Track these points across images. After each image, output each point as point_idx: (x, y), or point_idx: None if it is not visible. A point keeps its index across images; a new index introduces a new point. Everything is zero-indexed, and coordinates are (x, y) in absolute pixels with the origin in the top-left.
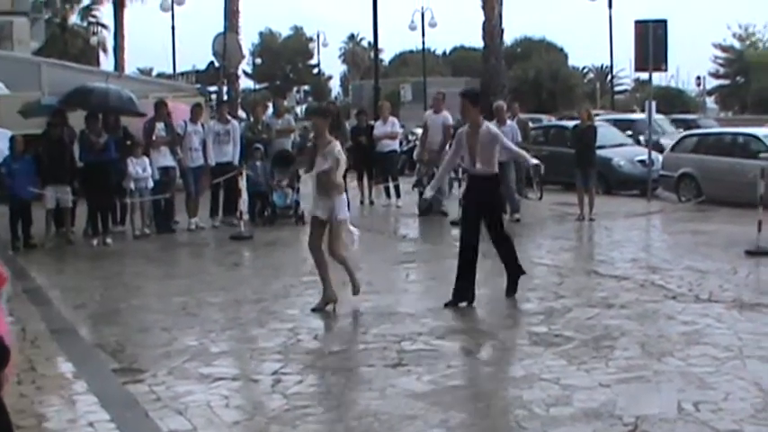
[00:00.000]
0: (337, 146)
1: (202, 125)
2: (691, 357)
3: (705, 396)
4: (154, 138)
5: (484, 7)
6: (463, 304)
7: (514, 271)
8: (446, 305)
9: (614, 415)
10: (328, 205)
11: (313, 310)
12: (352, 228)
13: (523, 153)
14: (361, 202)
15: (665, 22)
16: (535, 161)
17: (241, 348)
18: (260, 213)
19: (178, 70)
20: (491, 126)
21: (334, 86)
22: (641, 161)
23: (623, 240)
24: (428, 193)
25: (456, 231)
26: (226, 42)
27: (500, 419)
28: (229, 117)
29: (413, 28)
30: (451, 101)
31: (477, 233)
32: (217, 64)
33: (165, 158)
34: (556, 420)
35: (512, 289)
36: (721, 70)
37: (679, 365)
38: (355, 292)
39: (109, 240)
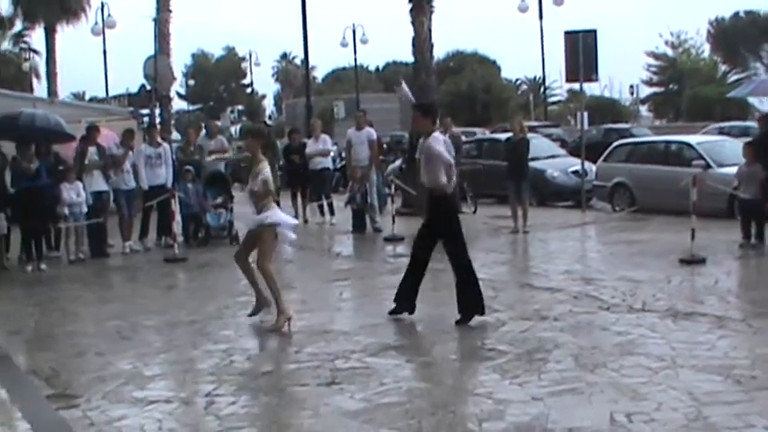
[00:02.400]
0: (265, 167)
1: (131, 148)
2: (624, 368)
3: (638, 407)
4: (86, 162)
5: (413, 22)
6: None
7: (468, 306)
8: (390, 313)
9: (546, 429)
10: (259, 217)
11: (249, 315)
12: (286, 232)
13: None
14: None
15: (594, 32)
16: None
17: (175, 371)
18: (194, 235)
19: (111, 94)
20: (437, 138)
21: (268, 105)
22: (575, 172)
23: (557, 252)
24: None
25: (390, 248)
26: (156, 65)
27: None
28: (160, 140)
29: (344, 45)
30: (380, 116)
31: (426, 249)
32: (148, 87)
33: (98, 183)
34: None
35: (463, 319)
36: (655, 78)
37: (612, 377)
38: (253, 312)
39: (43, 266)
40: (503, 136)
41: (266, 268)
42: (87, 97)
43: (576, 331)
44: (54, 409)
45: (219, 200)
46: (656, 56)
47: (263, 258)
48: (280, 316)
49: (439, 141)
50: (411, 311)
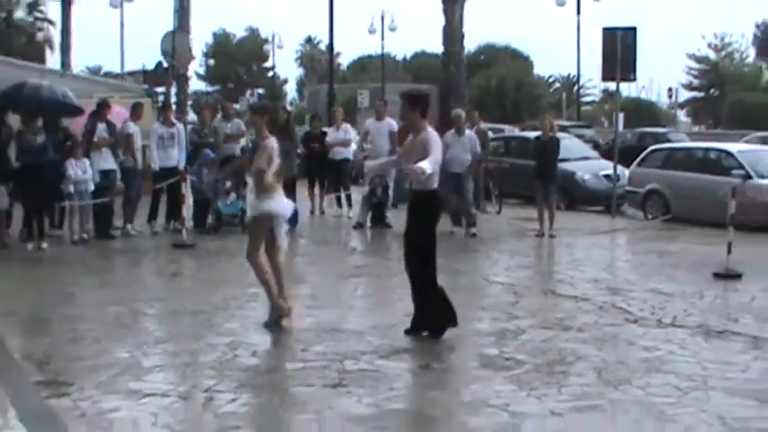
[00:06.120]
0: (271, 141)
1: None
2: (650, 386)
3: (664, 429)
4: (95, 139)
5: (445, 11)
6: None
7: (432, 320)
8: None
9: None
10: (263, 205)
11: (265, 325)
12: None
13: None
14: (312, 212)
15: (634, 29)
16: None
17: (174, 363)
18: (204, 221)
19: (127, 69)
20: (429, 133)
21: (290, 90)
22: (606, 176)
23: (584, 259)
24: (368, 165)
25: None
26: (175, 41)
27: None
28: (174, 120)
29: (372, 32)
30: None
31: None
32: (165, 64)
33: (106, 161)
34: None
35: (413, 329)
36: (695, 82)
37: (637, 395)
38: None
39: (44, 245)
40: (532, 134)
41: (255, 259)
42: (102, 72)
43: (600, 344)
44: (43, 396)
45: (229, 185)
46: (697, 59)
47: (251, 246)
48: (274, 311)
49: (435, 137)
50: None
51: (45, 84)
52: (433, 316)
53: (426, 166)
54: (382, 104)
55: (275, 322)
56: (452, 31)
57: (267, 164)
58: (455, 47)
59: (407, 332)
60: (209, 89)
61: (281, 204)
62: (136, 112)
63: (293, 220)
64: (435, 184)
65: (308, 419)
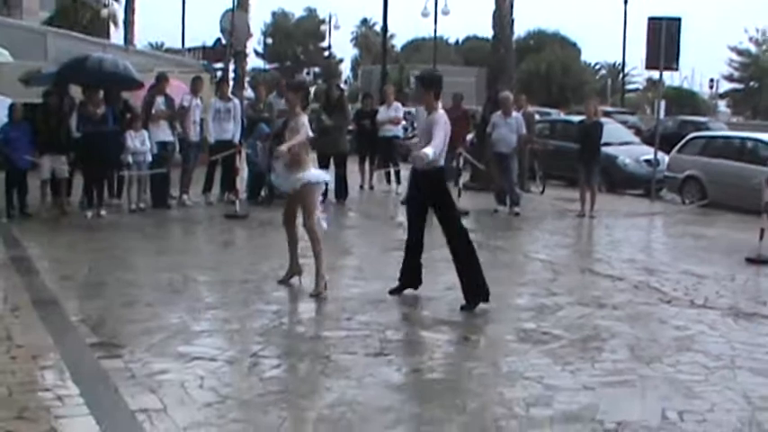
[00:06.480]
0: (303, 118)
1: (200, 99)
2: (680, 364)
3: (691, 405)
4: (153, 111)
5: None
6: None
7: (470, 285)
8: (390, 292)
9: (595, 419)
10: (296, 178)
11: (279, 282)
12: (320, 214)
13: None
14: (361, 187)
15: (678, 20)
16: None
17: (223, 328)
18: (257, 193)
19: (188, 46)
20: (438, 115)
21: (345, 70)
22: (647, 161)
23: (622, 240)
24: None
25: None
26: (233, 19)
27: (477, 417)
28: (231, 95)
29: (426, 15)
30: (456, 89)
31: (421, 229)
32: (224, 41)
33: (164, 133)
34: (534, 421)
35: (468, 305)
36: (736, 74)
37: (667, 372)
38: (316, 292)
39: (103, 212)
40: (576, 118)
41: (313, 228)
42: (164, 49)
43: (634, 322)
44: (96, 357)
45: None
46: (738, 51)
47: (310, 217)
48: (320, 281)
49: (443, 120)
50: (415, 287)
51: (107, 57)
52: (469, 289)
53: (429, 152)
54: None
55: (319, 293)
56: (502, 16)
57: (299, 140)
58: (505, 31)
59: (391, 292)
60: (267, 67)
61: (317, 173)
62: (195, 85)
63: (343, 192)
64: (440, 164)
65: (350, 386)
